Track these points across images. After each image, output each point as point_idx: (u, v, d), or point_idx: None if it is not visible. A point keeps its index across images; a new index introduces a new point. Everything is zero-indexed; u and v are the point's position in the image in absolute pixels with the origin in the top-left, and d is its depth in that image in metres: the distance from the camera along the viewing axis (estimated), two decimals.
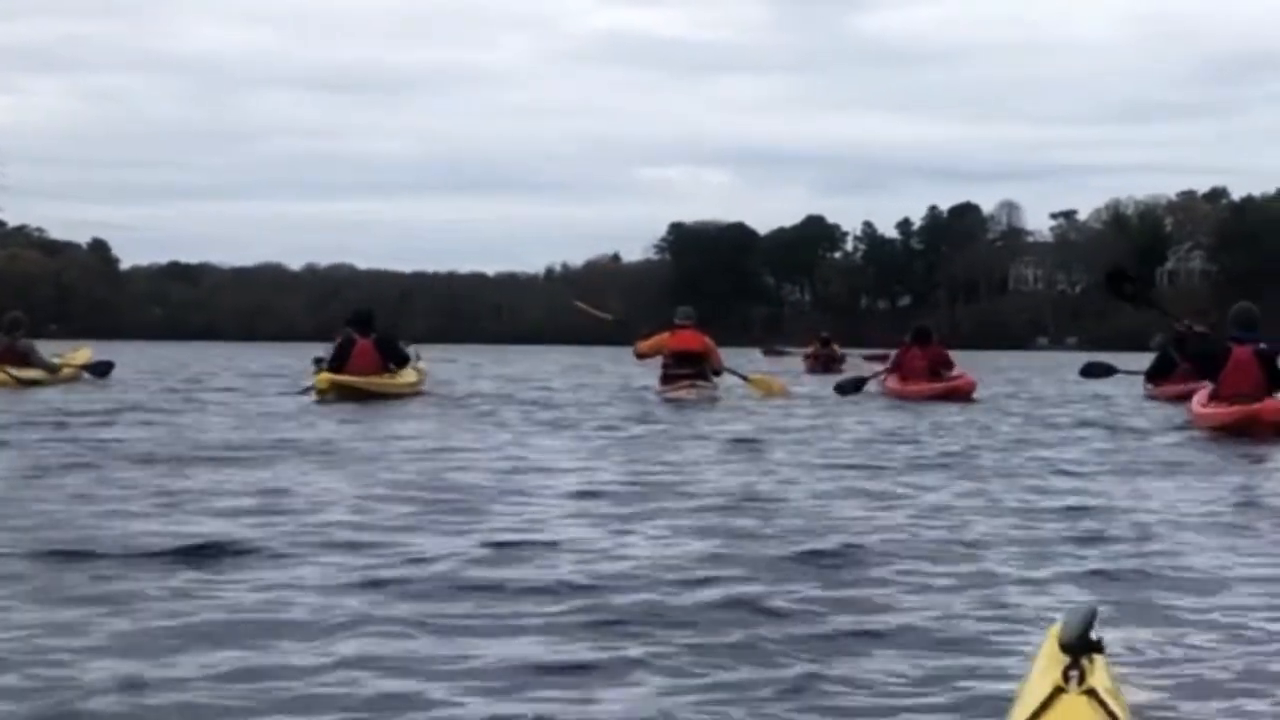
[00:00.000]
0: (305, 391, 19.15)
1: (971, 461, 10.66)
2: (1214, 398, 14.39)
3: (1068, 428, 15.03)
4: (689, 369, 20.44)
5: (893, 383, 21.55)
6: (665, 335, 20.89)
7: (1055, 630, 2.79)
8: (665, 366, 20.75)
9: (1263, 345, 14.39)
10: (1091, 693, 2.51)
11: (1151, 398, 21.01)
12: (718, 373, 20.91)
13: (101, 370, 24.11)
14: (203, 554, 5.76)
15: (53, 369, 22.35)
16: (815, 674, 4.09)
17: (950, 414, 16.86)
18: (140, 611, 4.70)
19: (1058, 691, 2.52)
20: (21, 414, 14.20)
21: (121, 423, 13.51)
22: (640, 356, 21.44)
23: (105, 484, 8.19)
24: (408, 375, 19.87)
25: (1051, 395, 23.69)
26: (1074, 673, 2.55)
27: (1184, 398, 16.87)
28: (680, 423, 14.73)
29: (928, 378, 21.09)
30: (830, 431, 13.88)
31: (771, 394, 20.92)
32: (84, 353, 25.96)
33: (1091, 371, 24.09)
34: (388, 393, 18.68)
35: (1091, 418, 16.63)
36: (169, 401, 18.22)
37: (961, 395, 20.21)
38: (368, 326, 19.56)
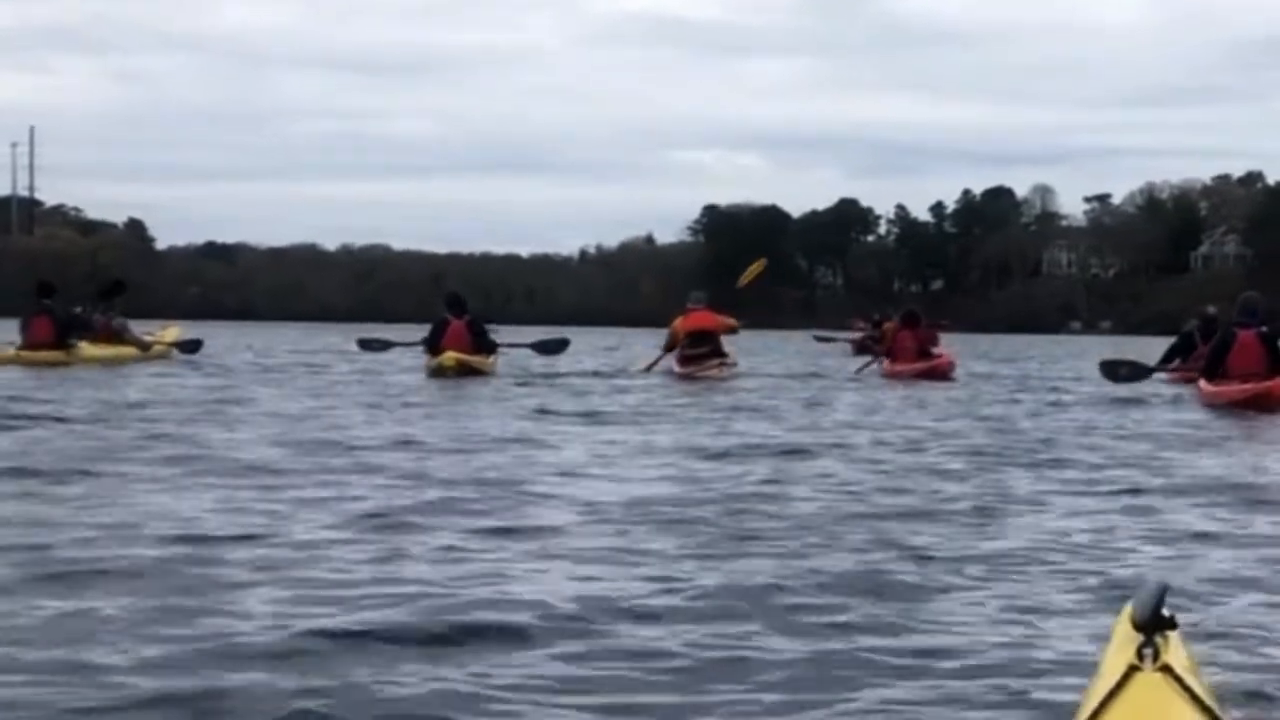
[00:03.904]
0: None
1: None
2: (1223, 377, 15.12)
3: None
4: (705, 347, 21.24)
5: (888, 364, 23.27)
6: (679, 320, 21.49)
7: (1128, 609, 2.71)
8: (683, 347, 21.39)
9: (1264, 328, 15.11)
10: (1167, 669, 2.43)
11: (1169, 381, 21.16)
12: (735, 331, 21.83)
13: (191, 348, 24.95)
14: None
15: (145, 346, 23.26)
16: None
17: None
18: None
19: (1132, 670, 2.44)
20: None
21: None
22: (672, 349, 21.83)
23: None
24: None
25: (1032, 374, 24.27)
26: (1148, 650, 2.46)
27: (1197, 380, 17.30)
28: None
29: (915, 358, 22.51)
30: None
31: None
32: (173, 330, 26.73)
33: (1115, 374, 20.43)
34: (486, 372, 20.03)
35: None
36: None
37: (940, 374, 21.62)
38: (461, 309, 20.81)
